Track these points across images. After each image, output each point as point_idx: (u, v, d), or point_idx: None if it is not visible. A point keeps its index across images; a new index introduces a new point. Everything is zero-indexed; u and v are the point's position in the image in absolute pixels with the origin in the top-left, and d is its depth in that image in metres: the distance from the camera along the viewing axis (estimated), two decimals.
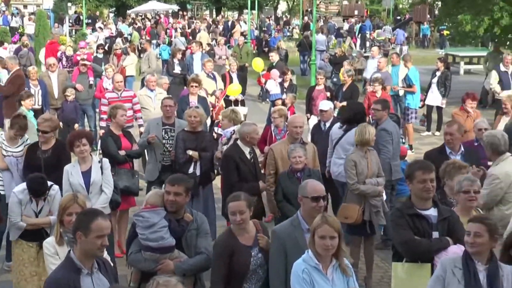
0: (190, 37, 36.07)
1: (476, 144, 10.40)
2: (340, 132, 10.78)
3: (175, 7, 60.36)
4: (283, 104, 15.97)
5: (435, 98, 18.90)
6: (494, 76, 18.84)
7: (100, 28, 40.58)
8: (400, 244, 6.38)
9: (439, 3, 34.24)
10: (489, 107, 21.30)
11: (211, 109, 15.30)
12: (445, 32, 33.35)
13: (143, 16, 54.88)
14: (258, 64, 21.48)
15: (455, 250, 6.00)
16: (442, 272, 5.66)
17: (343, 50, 26.99)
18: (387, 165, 10.29)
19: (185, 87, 17.18)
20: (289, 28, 53.40)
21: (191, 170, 10.35)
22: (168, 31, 42.98)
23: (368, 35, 44.25)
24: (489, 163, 9.00)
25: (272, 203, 9.34)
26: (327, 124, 11.47)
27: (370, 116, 12.46)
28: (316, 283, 5.57)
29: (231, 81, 18.59)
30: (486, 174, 8.49)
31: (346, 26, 47.88)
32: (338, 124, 11.05)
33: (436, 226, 6.30)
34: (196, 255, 6.59)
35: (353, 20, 49.47)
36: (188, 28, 43.33)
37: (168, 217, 6.62)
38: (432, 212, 6.37)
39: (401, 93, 18.07)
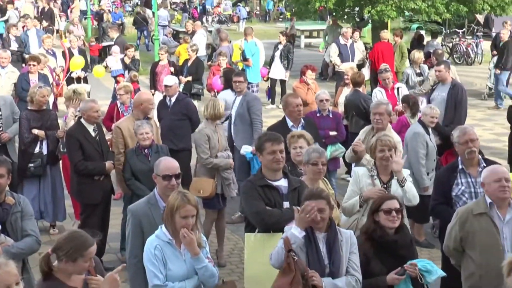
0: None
1: (318, 115, 10.86)
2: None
3: None
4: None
5: (278, 71, 19.22)
6: (333, 49, 19.36)
7: None
8: (252, 215, 6.43)
9: None
10: (329, 80, 21.93)
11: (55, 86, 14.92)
12: (288, 14, 33.96)
13: None
14: (99, 71, 20.11)
15: None
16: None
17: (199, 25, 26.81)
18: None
19: (23, 65, 16.58)
20: (130, 3, 52.45)
21: (37, 149, 10.13)
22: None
23: (211, 10, 44.24)
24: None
25: (122, 181, 9.15)
26: (172, 99, 11.36)
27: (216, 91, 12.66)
28: (168, 259, 5.52)
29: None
30: None
31: None
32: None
33: (287, 197, 6.40)
34: (23, 238, 6.38)
35: None
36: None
37: None
38: (282, 183, 6.46)
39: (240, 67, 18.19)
